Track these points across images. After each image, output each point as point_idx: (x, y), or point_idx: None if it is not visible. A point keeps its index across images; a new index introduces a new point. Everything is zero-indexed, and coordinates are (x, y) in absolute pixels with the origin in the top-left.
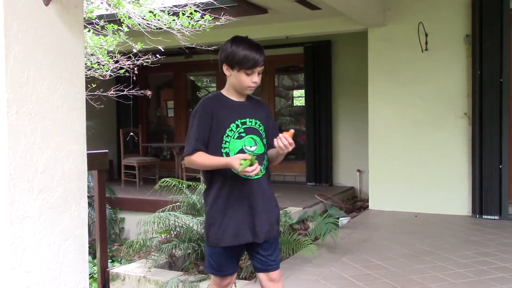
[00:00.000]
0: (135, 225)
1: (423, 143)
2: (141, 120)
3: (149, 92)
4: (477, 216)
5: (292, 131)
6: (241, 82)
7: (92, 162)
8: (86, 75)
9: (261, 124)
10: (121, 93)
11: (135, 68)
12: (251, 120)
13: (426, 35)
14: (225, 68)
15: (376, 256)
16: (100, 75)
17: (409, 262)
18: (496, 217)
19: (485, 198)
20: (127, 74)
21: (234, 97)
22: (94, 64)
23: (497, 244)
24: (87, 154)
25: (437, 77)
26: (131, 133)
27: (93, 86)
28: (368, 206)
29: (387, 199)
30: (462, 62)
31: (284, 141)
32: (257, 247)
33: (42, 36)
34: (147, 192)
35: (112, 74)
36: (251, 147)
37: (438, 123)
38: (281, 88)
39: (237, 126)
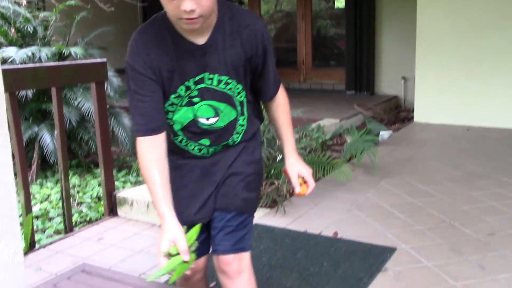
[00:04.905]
0: None
1: (480, 48)
2: None
3: None
4: None
5: (311, 186)
6: (168, 13)
7: (87, 74)
8: None
9: (230, 80)
10: None
11: None
12: (211, 76)
13: None
14: None
15: (421, 179)
16: None
17: (460, 188)
18: None
19: None
20: None
21: (190, 35)
22: None
23: None
24: (82, 65)
25: None
26: None
27: None
28: (413, 118)
29: (435, 110)
30: None
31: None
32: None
33: None
34: None
35: None
36: (207, 119)
37: (499, 25)
38: None
39: (188, 88)
